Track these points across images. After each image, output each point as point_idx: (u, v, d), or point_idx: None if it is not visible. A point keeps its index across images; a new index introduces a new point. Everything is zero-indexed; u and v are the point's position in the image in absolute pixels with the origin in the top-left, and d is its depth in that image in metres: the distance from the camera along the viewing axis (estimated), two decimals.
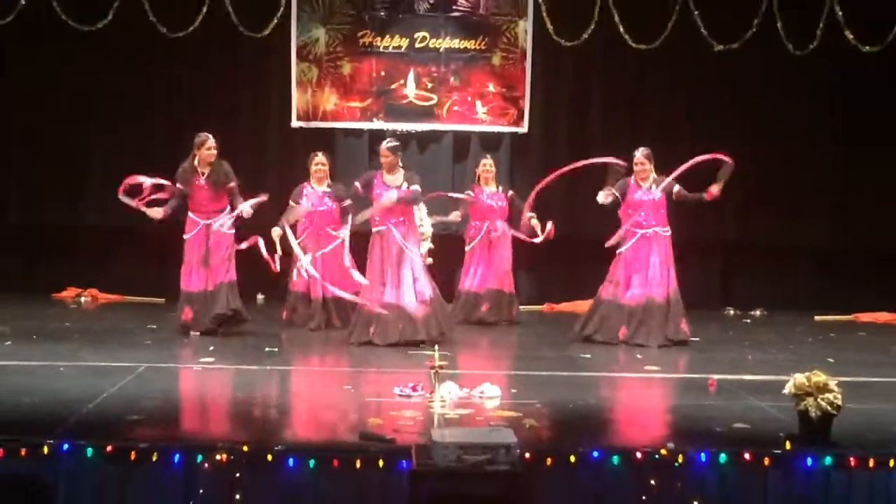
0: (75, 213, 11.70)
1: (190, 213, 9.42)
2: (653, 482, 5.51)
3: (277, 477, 5.46)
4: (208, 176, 9.29)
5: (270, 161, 11.72)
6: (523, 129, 11.78)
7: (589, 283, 11.05)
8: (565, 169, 9.59)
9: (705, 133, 11.35)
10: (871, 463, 5.59)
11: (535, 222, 10.31)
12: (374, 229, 9.13)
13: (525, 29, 11.68)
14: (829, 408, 5.75)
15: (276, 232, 9.41)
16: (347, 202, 9.59)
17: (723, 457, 5.58)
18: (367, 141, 11.71)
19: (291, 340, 9.27)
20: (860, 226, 11.81)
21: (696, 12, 11.25)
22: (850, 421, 6.06)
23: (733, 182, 9.62)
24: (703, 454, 5.58)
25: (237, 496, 5.43)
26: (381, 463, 5.45)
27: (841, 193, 11.91)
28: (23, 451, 5.46)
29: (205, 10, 11.16)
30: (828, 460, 5.58)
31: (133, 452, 5.47)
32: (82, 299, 11.50)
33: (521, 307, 10.82)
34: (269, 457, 5.48)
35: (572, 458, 5.53)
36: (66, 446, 5.48)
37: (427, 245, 11.05)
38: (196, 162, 9.33)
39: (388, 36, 11.76)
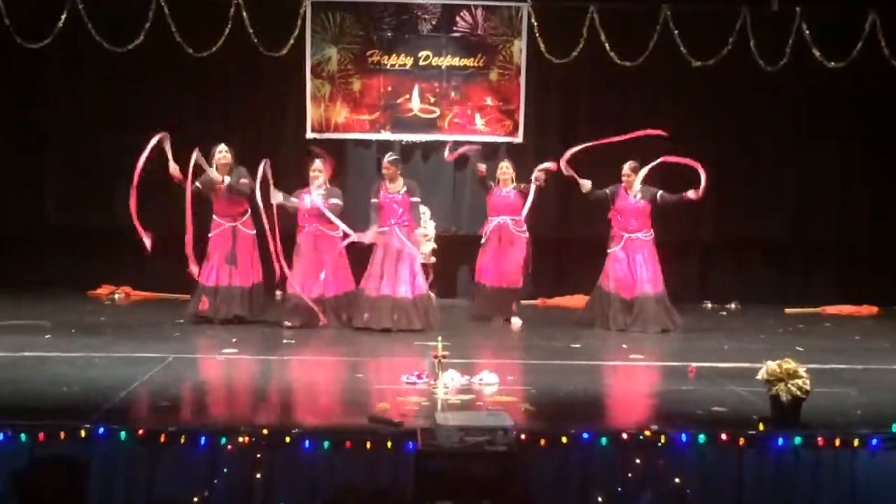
0: (110, 217, 11.67)
1: (214, 216, 9.44)
2: (638, 461, 5.51)
3: (295, 457, 5.46)
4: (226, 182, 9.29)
5: (288, 170, 11.66)
6: (518, 139, 11.75)
7: (579, 280, 11.12)
8: (605, 140, 9.76)
9: (685, 142, 11.32)
10: (837, 442, 5.59)
11: (536, 176, 9.91)
12: (378, 229, 9.39)
13: (520, 48, 11.66)
14: (798, 392, 5.75)
15: (276, 197, 9.23)
16: (334, 200, 9.40)
17: (702, 437, 5.58)
18: (375, 150, 11.69)
19: (306, 333, 9.25)
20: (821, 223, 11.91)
21: (675, 31, 11.23)
22: (818, 404, 6.07)
23: (709, 188, 9.71)
24: (683, 435, 5.58)
25: (258, 475, 5.43)
26: (389, 444, 5.45)
27: (805, 195, 11.93)
28: (62, 435, 5.46)
29: (227, 31, 11.15)
30: (798, 440, 5.58)
31: (163, 435, 5.47)
32: (116, 296, 11.48)
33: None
34: (287, 439, 5.48)
35: (564, 440, 5.52)
36: (101, 430, 5.49)
37: (430, 245, 11.07)
38: (215, 169, 9.34)
39: (394, 55, 11.74)
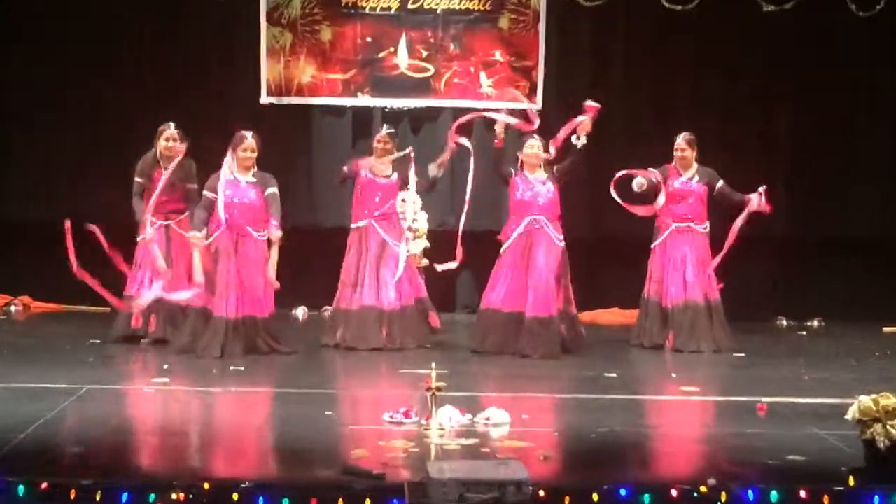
0: (3, 208, 11.67)
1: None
2: None
3: None
4: (172, 172, 9.32)
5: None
6: (536, 105, 11.74)
7: (612, 290, 11.10)
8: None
9: (746, 108, 11.38)
10: None
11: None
12: (352, 225, 9.50)
13: None
14: None
15: (195, 236, 9.13)
16: (270, 190, 9.25)
17: (774, 495, 5.58)
18: (351, 120, 11.70)
19: (259, 358, 9.25)
20: None
21: None
22: None
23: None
24: (750, 491, 5.59)
25: None
26: (367, 503, 5.46)
27: None
28: None
29: None
30: None
31: (73, 491, 5.45)
32: (12, 308, 11.51)
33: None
34: (235, 496, 5.47)
35: (595, 497, 5.53)
36: None
37: (423, 243, 11.07)
38: (157, 155, 9.46)
39: None
